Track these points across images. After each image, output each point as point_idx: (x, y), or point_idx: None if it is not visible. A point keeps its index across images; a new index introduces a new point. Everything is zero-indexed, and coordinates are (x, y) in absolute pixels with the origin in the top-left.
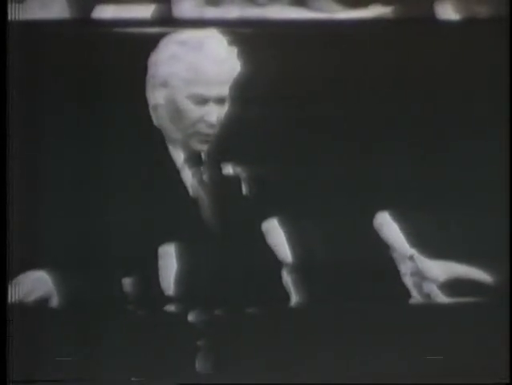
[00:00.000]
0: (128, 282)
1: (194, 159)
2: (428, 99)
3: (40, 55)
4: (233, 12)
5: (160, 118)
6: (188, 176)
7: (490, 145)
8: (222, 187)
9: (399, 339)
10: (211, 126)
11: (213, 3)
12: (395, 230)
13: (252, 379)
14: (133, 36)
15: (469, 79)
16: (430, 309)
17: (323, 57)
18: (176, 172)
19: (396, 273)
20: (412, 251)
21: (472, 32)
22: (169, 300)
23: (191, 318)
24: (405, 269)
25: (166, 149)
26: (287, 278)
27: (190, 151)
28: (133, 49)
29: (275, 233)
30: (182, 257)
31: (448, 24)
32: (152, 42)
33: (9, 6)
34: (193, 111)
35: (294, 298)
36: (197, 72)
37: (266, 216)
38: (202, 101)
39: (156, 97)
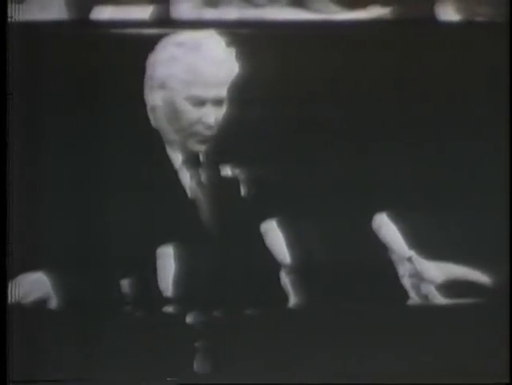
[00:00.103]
0: (126, 283)
1: (192, 160)
2: (426, 99)
3: (39, 56)
4: (231, 13)
5: (158, 119)
6: (186, 177)
7: (489, 146)
8: (221, 188)
9: (397, 340)
10: (209, 127)
11: (211, 4)
12: (393, 231)
13: (250, 380)
14: (131, 37)
15: (469, 79)
16: (428, 310)
17: (321, 58)
18: (175, 174)
19: (394, 275)
20: (410, 252)
21: (471, 33)
22: (168, 301)
23: (189, 319)
24: (403, 270)
25: (164, 150)
26: (286, 279)
27: (188, 152)
28: (131, 50)
29: (274, 234)
30: (181, 258)
31: (447, 25)
32: (151, 44)
33: (9, 6)
34: (191, 112)
35: (293, 299)
36: (195, 73)
37: (264, 217)
38: (200, 102)
39: (154, 98)
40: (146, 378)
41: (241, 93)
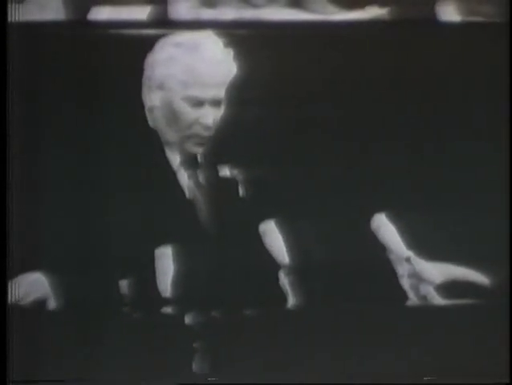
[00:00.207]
0: (125, 284)
1: (190, 161)
2: (425, 100)
3: (38, 57)
4: (229, 14)
5: (156, 120)
6: (184, 178)
7: (489, 146)
8: (219, 189)
9: (396, 341)
10: (207, 128)
11: (209, 5)
12: (392, 232)
13: (249, 381)
14: (129, 38)
15: (469, 79)
16: (427, 311)
17: (319, 59)
18: (173, 174)
19: (392, 275)
20: (408, 253)
21: (471, 33)
22: (166, 302)
23: (188, 319)
24: (402, 270)
25: (162, 151)
26: (284, 280)
27: (186, 153)
28: (129, 50)
29: (272, 234)
30: (179, 258)
31: (446, 25)
32: (148, 44)
33: (8, 7)
34: (189, 113)
35: (292, 300)
36: (193, 74)
37: (262, 217)
38: (198, 103)
39: (152, 99)
40: (145, 379)
41: (239, 93)
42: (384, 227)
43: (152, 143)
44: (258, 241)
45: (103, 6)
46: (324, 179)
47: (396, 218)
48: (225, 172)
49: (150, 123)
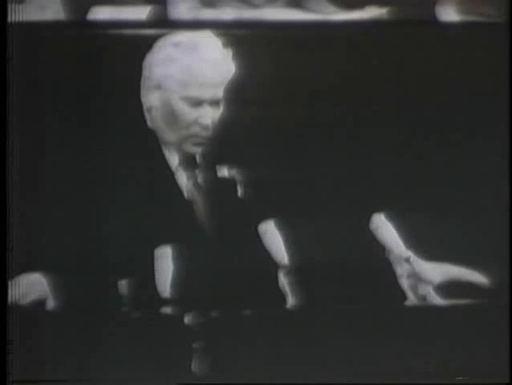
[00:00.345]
0: (124, 284)
1: (189, 161)
2: (425, 100)
3: (37, 57)
4: (228, 14)
5: (155, 120)
6: (183, 178)
7: (489, 146)
8: (218, 189)
9: (395, 341)
10: (205, 128)
11: (208, 5)
12: (391, 232)
13: (249, 381)
14: (129, 38)
15: (468, 80)
16: (426, 311)
17: (318, 59)
18: (171, 175)
19: (392, 275)
20: (408, 253)
21: (470, 33)
22: (166, 302)
23: (187, 320)
24: (401, 271)
25: (161, 151)
26: (284, 280)
27: (185, 153)
28: (129, 51)
29: (272, 235)
30: (178, 259)
31: (445, 25)
32: (148, 44)
33: (8, 7)
34: (188, 113)
35: (291, 300)
36: (191, 74)
37: (261, 218)
38: (197, 103)
39: (151, 99)
40: (145, 379)
41: (238, 94)
42: (384, 227)
43: (151, 144)
44: (257, 242)
45: (103, 6)
46: (323, 179)
47: (395, 218)
48: (224, 172)
49: (149, 123)
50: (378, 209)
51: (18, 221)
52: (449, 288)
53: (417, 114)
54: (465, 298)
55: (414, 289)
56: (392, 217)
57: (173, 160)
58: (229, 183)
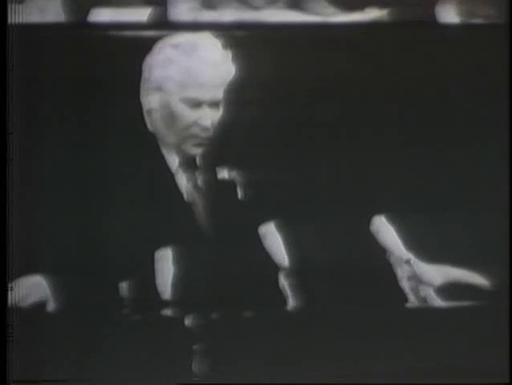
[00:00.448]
0: (124, 286)
1: (189, 163)
2: (425, 101)
3: (37, 58)
4: (228, 15)
5: (155, 122)
6: (183, 180)
7: (489, 148)
8: (218, 191)
9: (396, 343)
10: (205, 129)
11: (208, 6)
12: (391, 234)
13: (249, 382)
14: (129, 40)
15: (468, 81)
16: (427, 313)
17: (318, 60)
18: (171, 177)
19: (392, 277)
20: (408, 255)
21: (470, 35)
22: (166, 304)
23: (188, 321)
24: (402, 273)
25: (161, 153)
26: (284, 282)
27: (185, 155)
28: (129, 52)
29: (272, 236)
30: (179, 261)
31: (445, 27)
32: (148, 46)
33: (9, 9)
34: (188, 114)
35: (291, 302)
36: (190, 75)
37: (261, 220)
38: (196, 104)
39: (151, 101)
40: (145, 381)
41: (238, 95)
42: (384, 229)
43: (151, 145)
44: (257, 244)
45: (103, 7)
46: (324, 181)
47: (395, 220)
48: (224, 173)
49: (148, 125)
50: (378, 211)
51: (18, 223)
52: (449, 290)
53: (417, 115)
54: (465, 300)
55: (415, 291)
56: (392, 219)
57: (173, 161)
58: (230, 184)
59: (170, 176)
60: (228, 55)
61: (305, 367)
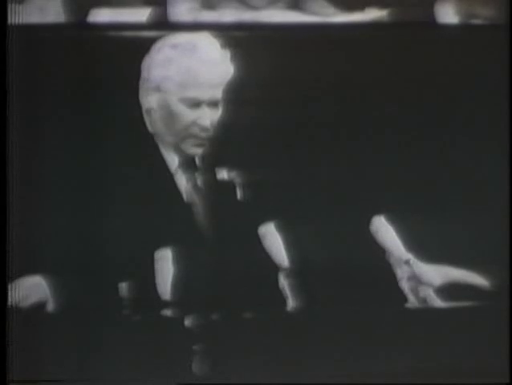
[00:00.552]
0: (124, 287)
1: (188, 163)
2: (425, 102)
3: (37, 58)
4: (228, 15)
5: (154, 122)
6: (182, 180)
7: (489, 148)
8: (217, 191)
9: (396, 344)
10: (204, 129)
11: (208, 7)
12: (391, 234)
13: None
14: (129, 40)
15: (468, 81)
16: (427, 313)
17: (317, 60)
18: (171, 177)
19: (392, 278)
20: (408, 255)
21: (470, 35)
22: (166, 304)
23: (188, 322)
24: (401, 273)
25: (160, 153)
26: (284, 282)
27: (184, 155)
28: (129, 53)
29: (272, 237)
30: (179, 261)
31: (445, 27)
32: (148, 46)
33: (8, 9)
34: (187, 114)
35: (291, 303)
36: (190, 75)
37: (261, 220)
38: (195, 104)
39: (150, 101)
40: (145, 381)
41: (237, 95)
42: (384, 229)
43: (150, 146)
44: (257, 244)
45: (103, 7)
46: (323, 181)
47: (395, 220)
48: (224, 174)
49: (148, 125)
50: (378, 211)
51: (18, 223)
52: (449, 290)
53: (417, 115)
54: (465, 301)
55: (414, 291)
56: (392, 219)
57: (173, 161)
58: (229, 185)
59: (169, 177)
60: (227, 55)
61: (305, 367)
